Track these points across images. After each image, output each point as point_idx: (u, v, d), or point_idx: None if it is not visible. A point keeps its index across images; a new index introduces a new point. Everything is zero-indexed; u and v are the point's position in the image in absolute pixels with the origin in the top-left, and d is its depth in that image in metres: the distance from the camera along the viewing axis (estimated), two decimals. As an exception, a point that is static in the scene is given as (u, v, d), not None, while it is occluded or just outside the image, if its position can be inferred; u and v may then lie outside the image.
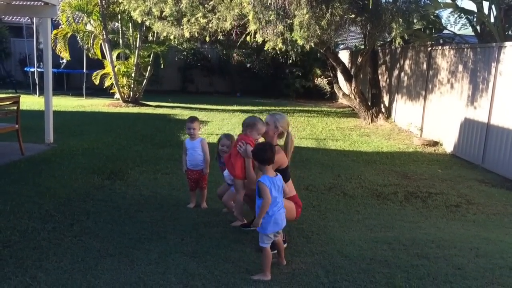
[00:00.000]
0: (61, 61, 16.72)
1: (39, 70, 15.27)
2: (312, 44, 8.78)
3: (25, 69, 17.60)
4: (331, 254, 3.94)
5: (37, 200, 4.95)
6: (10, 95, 11.96)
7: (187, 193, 5.51)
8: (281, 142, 4.30)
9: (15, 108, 7.01)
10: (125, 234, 4.16)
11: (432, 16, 11.20)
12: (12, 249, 3.73)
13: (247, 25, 9.41)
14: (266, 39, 9.26)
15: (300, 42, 8.51)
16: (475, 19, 10.83)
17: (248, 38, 9.64)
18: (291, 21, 8.52)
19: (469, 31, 12.92)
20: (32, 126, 8.77)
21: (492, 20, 10.03)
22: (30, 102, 13.41)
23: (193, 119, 5.05)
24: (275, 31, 8.85)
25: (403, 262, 3.81)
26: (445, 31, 12.40)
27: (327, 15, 8.14)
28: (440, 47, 10.20)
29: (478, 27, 10.76)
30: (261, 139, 4.21)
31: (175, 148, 8.07)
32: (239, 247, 3.96)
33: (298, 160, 7.64)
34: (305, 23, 8.10)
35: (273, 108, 14.72)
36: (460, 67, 9.09)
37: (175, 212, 4.83)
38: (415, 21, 9.83)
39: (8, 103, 7.13)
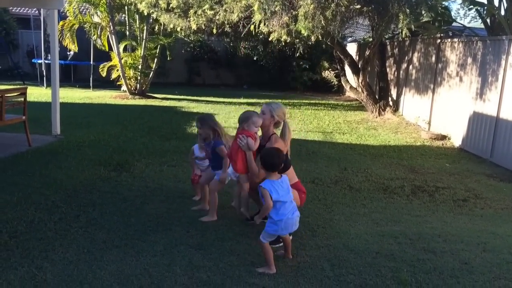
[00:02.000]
0: (68, 53, 16.75)
1: (46, 61, 15.31)
2: (318, 35, 8.70)
3: (33, 60, 17.66)
4: (336, 247, 3.93)
5: (44, 191, 4.97)
6: (18, 86, 12.03)
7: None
8: (278, 132, 4.28)
9: (22, 99, 7.03)
10: (130, 226, 4.17)
11: (441, 8, 11.06)
12: (18, 240, 3.75)
13: (252, 16, 9.35)
14: (271, 30, 9.20)
15: (304, 33, 8.44)
16: (485, 12, 10.69)
17: (252, 28, 9.58)
18: (296, 12, 8.45)
19: (478, 23, 12.78)
20: (39, 117, 8.81)
21: (502, 12, 9.89)
22: (37, 93, 13.48)
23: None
24: (280, 22, 8.79)
25: (409, 256, 3.79)
26: (454, 24, 12.27)
27: (332, 5, 8.06)
28: (449, 39, 10.09)
29: (488, 20, 10.63)
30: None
31: (181, 141, 8.08)
32: (245, 240, 3.96)
33: (304, 153, 7.63)
34: (310, 14, 8.03)
35: (279, 101, 14.67)
36: (469, 60, 8.99)
37: (180, 204, 4.84)
38: (423, 13, 9.71)
39: (15, 94, 7.16)
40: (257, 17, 8.81)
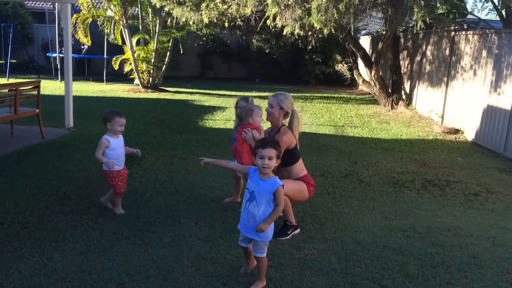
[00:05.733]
0: (82, 47, 16.92)
1: (61, 55, 15.47)
2: (331, 28, 8.64)
3: (47, 54, 17.89)
4: (344, 240, 3.93)
5: (56, 183, 5.05)
6: (32, 80, 12.19)
7: (202, 178, 5.58)
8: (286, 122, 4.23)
9: (36, 92, 7.13)
10: (140, 218, 4.22)
11: (456, 0, 10.89)
12: (30, 230, 3.82)
13: (265, 10, 9.33)
14: (284, 24, 9.17)
15: (317, 26, 8.40)
16: (500, 4, 10.50)
17: (268, 22, 9.56)
18: (309, 5, 8.40)
19: (494, 16, 12.55)
20: (53, 110, 8.92)
21: (518, 4, 9.71)
22: (52, 87, 13.65)
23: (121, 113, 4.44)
24: (293, 15, 8.76)
25: (417, 250, 3.77)
26: (469, 16, 12.07)
27: (345, -2, 8.00)
28: (463, 32, 9.94)
29: (503, 12, 10.44)
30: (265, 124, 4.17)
31: (192, 134, 8.13)
32: (252, 232, 3.97)
33: (315, 147, 7.61)
34: (323, 7, 7.97)
35: (292, 94, 14.62)
36: (484, 53, 8.85)
37: (190, 196, 4.88)
38: (438, 5, 9.57)
39: (29, 87, 7.26)
40: (273, 10, 8.77)
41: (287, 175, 4.07)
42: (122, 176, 4.33)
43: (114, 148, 4.28)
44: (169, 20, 14.57)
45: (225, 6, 9.93)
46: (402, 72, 12.99)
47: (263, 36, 17.45)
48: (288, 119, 4.20)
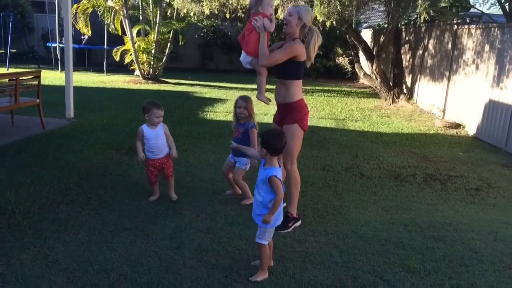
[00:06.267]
0: (82, 37, 16.83)
1: (61, 45, 15.40)
2: (333, 21, 8.60)
3: (47, 44, 17.80)
4: (345, 234, 3.93)
5: (57, 173, 5.03)
6: (32, 69, 12.14)
7: (203, 170, 5.57)
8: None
9: (36, 82, 7.10)
10: (141, 209, 4.21)
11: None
12: (31, 220, 3.81)
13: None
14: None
15: (320, 18, 8.35)
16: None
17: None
18: (312, -4, 8.36)
19: (497, 10, 12.49)
20: (53, 101, 8.89)
21: (522, -2, 9.66)
22: (52, 77, 13.59)
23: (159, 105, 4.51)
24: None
25: (418, 244, 3.77)
26: (472, 10, 12.01)
27: (348, -10, 7.96)
28: (466, 26, 9.89)
29: (506, 6, 10.38)
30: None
31: (193, 126, 8.10)
32: (254, 225, 3.92)
33: (316, 140, 7.59)
34: (326, -1, 7.94)
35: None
36: (487, 47, 8.82)
37: (191, 188, 4.87)
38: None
39: (29, 77, 7.23)
40: (275, 2, 8.72)
41: (284, 91, 3.96)
42: (153, 165, 4.46)
43: (149, 138, 4.43)
44: (169, 11, 14.49)
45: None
46: (403, 65, 12.95)
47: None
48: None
